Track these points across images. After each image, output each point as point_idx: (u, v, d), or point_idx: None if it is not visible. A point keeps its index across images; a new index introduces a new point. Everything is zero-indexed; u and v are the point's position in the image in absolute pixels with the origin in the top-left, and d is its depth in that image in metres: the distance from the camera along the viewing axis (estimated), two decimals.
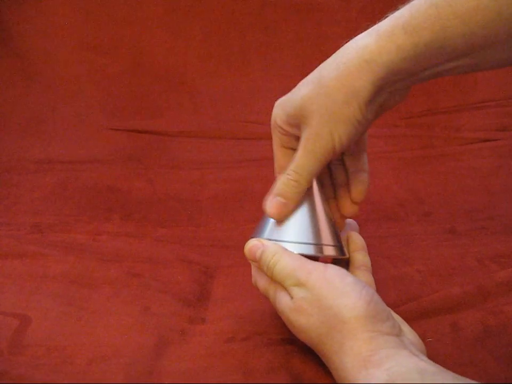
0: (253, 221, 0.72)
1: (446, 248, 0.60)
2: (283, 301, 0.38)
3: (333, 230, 0.42)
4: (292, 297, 0.37)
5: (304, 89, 0.39)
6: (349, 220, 0.47)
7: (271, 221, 0.42)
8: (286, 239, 0.41)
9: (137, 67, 0.85)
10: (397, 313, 0.44)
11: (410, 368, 0.31)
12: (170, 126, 0.85)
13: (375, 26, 0.37)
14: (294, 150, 0.42)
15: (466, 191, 0.74)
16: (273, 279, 0.39)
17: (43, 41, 0.84)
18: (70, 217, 0.70)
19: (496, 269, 0.53)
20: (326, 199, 0.43)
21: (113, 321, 0.46)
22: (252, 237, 0.42)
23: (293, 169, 0.40)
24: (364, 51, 0.36)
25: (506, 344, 0.41)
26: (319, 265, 0.38)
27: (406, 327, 0.38)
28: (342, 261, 0.44)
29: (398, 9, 0.36)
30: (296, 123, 0.40)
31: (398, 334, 0.35)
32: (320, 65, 0.39)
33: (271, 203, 0.41)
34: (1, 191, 0.75)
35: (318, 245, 0.41)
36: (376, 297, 0.36)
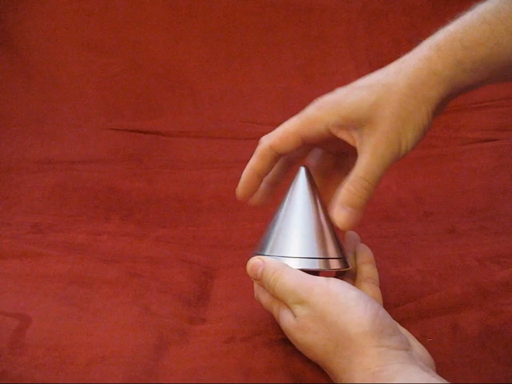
0: (253, 221, 0.72)
1: (446, 248, 0.60)
2: (286, 320, 0.38)
3: (336, 241, 0.42)
4: (295, 316, 0.37)
5: (367, 94, 0.39)
6: (350, 232, 0.47)
7: (273, 236, 0.41)
8: (289, 254, 0.40)
9: (137, 67, 0.85)
10: (397, 313, 0.44)
11: None
12: (170, 126, 0.85)
13: (432, 39, 0.38)
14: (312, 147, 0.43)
15: (466, 191, 0.74)
16: (276, 297, 0.39)
17: (43, 41, 0.84)
18: (70, 217, 0.70)
19: (496, 269, 0.53)
20: (325, 209, 0.42)
21: (113, 321, 0.46)
22: (254, 253, 0.42)
23: (361, 177, 0.39)
24: (430, 63, 0.37)
25: (506, 344, 0.41)
26: (320, 280, 0.37)
27: (414, 341, 0.37)
28: (346, 272, 0.44)
29: (448, 24, 0.38)
30: (352, 126, 0.39)
31: (407, 348, 0.34)
32: (378, 73, 0.40)
33: (341, 214, 0.40)
34: (1, 191, 0.75)
35: (323, 258, 0.40)
36: (382, 311, 0.35)
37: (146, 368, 0.39)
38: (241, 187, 0.44)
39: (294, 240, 0.40)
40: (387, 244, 0.61)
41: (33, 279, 0.53)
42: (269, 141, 0.42)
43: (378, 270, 0.44)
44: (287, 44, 0.85)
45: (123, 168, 0.80)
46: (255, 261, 0.40)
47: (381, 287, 0.43)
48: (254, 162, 0.43)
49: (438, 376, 0.32)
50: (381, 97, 0.39)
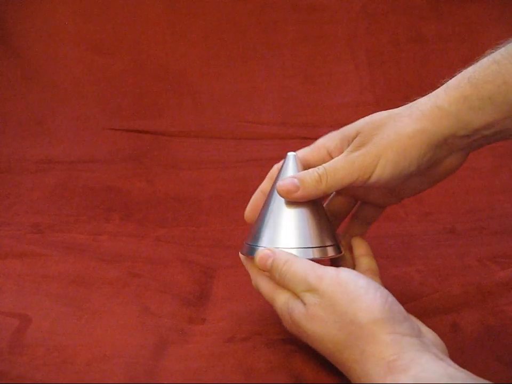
0: None
1: (446, 248, 0.60)
2: (297, 310, 0.37)
3: (330, 227, 0.42)
4: (304, 304, 0.37)
5: (370, 118, 0.41)
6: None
7: (265, 225, 0.41)
8: (281, 245, 0.40)
9: (137, 67, 0.85)
10: None
11: (438, 374, 0.30)
12: (170, 126, 0.85)
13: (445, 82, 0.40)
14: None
15: (466, 191, 0.74)
16: (286, 287, 0.38)
17: (43, 41, 0.84)
18: (70, 217, 0.70)
19: (496, 269, 0.54)
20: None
21: (113, 321, 0.46)
22: (247, 243, 0.42)
23: (324, 166, 0.40)
24: (436, 99, 0.39)
25: (506, 344, 0.41)
26: (330, 270, 0.37)
27: (424, 328, 0.36)
28: (339, 259, 0.44)
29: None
30: (349, 142, 0.41)
31: (419, 335, 0.34)
32: None
33: (285, 180, 0.40)
34: (1, 191, 0.75)
35: (318, 247, 0.40)
36: (391, 298, 0.35)
37: (146, 368, 0.39)
38: (249, 209, 0.45)
39: (286, 230, 0.40)
40: (387, 243, 0.61)
41: (33, 279, 0.53)
42: (278, 165, 0.44)
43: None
44: (287, 43, 0.85)
45: (123, 168, 0.80)
46: (264, 252, 0.40)
47: None
48: (263, 185, 0.45)
49: (455, 364, 0.32)
50: (379, 119, 0.40)
